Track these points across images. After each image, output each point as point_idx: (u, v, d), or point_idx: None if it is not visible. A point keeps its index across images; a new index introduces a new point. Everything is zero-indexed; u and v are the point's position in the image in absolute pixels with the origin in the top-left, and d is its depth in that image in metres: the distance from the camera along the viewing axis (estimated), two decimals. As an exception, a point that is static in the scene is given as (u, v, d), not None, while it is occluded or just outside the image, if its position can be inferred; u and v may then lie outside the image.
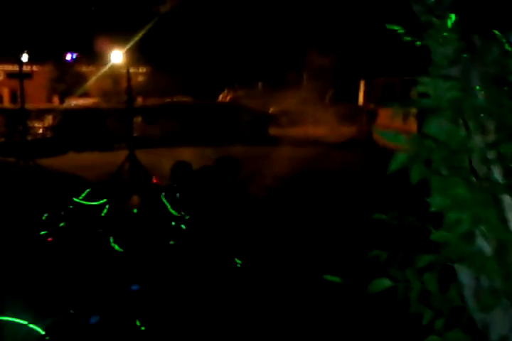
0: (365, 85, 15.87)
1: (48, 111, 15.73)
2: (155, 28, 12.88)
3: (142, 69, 21.16)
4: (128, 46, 9.33)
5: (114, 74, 17.33)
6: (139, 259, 4.51)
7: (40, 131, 14.90)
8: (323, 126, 15.97)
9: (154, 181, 8.60)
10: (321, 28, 16.18)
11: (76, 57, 14.04)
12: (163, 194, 5.07)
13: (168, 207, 4.96)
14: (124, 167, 8.96)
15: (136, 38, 9.70)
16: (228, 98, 18.22)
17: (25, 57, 10.34)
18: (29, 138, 14.43)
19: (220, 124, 14.27)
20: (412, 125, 9.76)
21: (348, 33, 15.77)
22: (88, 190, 5.51)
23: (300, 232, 6.40)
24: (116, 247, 4.76)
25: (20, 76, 10.41)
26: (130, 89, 9.97)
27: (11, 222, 5.87)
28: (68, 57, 13.90)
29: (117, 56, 9.56)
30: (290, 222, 6.88)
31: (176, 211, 4.96)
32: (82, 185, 9.26)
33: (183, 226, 4.95)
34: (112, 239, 4.81)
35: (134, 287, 4.44)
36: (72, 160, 12.36)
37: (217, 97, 19.46)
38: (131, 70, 18.42)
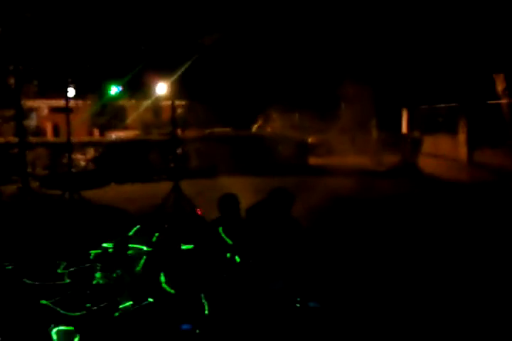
0: (408, 113, 15.68)
1: (90, 144, 15.95)
2: (194, 61, 13.07)
3: (180, 102, 21.42)
4: (173, 78, 9.40)
5: (154, 107, 17.61)
6: (191, 298, 4.37)
7: (83, 163, 15.08)
8: (364, 155, 15.75)
9: (198, 213, 8.52)
10: (359, 54, 16.11)
11: (120, 91, 14.23)
12: (221, 228, 4.97)
13: (227, 240, 4.85)
14: (169, 199, 8.88)
15: (181, 70, 9.77)
16: (264, 127, 18.21)
17: (72, 92, 10.51)
18: (72, 170, 14.65)
19: (259, 154, 14.23)
20: (459, 152, 9.55)
21: (388, 61, 15.65)
22: (138, 227, 5.47)
23: (357, 264, 6.15)
24: (168, 289, 4.63)
25: (67, 110, 10.57)
26: (175, 120, 9.99)
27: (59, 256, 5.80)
28: (113, 90, 14.07)
29: (162, 88, 9.64)
30: (344, 253, 6.65)
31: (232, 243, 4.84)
32: (127, 218, 9.29)
33: (237, 259, 4.80)
34: (163, 279, 4.69)
35: (185, 326, 4.30)
36: (114, 192, 12.44)
37: (252, 128, 19.50)
38: (170, 103, 18.79)
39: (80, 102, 20.90)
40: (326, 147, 16.74)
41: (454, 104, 12.66)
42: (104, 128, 21.49)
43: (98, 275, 4.84)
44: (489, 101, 11.68)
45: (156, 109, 17.72)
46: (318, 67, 17.13)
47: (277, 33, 16.07)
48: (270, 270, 4.56)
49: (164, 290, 4.56)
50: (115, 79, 13.43)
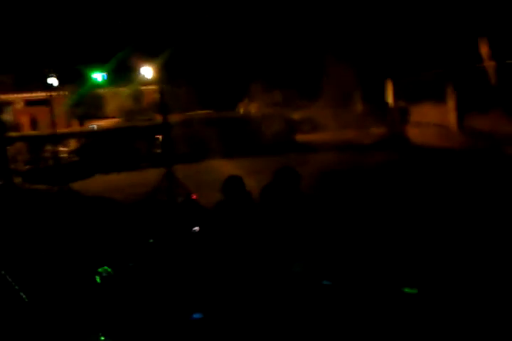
0: (393, 84, 15.53)
1: (71, 135, 15.65)
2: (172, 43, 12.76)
3: (156, 87, 21.01)
4: (159, 61, 9.11)
5: (134, 93, 17.26)
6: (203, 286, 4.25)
7: (65, 155, 14.78)
8: (350, 128, 15.60)
9: (194, 197, 8.34)
10: (338, 27, 15.87)
11: (105, 77, 13.74)
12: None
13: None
14: (161, 185, 8.69)
15: (167, 54, 9.45)
16: (249, 107, 17.93)
17: (54, 82, 10.15)
18: (53, 163, 14.37)
19: (247, 135, 14.04)
20: (448, 119, 9.42)
21: (368, 32, 15.44)
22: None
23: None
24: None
25: (44, 102, 10.26)
26: (164, 105, 9.73)
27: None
28: (98, 77, 13.55)
29: (147, 71, 9.33)
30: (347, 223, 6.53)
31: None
32: (119, 208, 9.08)
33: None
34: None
35: (196, 315, 4.19)
36: (100, 183, 12.19)
37: (235, 108, 19.20)
38: (150, 88, 18.42)
39: (56, 93, 20.43)
40: (311, 123, 16.55)
41: (439, 70, 12.52)
42: (83, 119, 21.06)
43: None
44: (476, 65, 11.59)
45: (136, 94, 17.38)
46: (298, 42, 16.87)
47: (256, 10, 15.78)
48: (290, 252, 4.44)
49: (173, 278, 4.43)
50: (98, 65, 12.97)
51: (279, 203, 4.89)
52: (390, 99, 15.92)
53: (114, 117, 19.73)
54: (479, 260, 4.97)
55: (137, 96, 17.55)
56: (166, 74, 9.60)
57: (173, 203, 7.99)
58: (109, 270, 4.86)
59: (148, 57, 9.37)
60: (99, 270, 4.93)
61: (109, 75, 13.23)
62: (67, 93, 20.62)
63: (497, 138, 9.82)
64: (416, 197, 7.71)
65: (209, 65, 17.19)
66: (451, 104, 11.89)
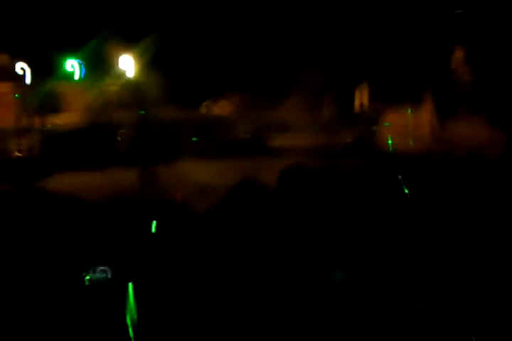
0: (365, 90, 15.52)
1: (26, 131, 14.92)
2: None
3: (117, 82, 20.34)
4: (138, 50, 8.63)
5: (93, 89, 16.60)
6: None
7: (20, 153, 14.06)
8: (322, 133, 15.50)
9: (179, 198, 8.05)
10: (310, 31, 15.76)
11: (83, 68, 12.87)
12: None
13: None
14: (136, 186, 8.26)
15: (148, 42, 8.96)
16: (215, 108, 17.53)
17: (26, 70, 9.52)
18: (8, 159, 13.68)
19: (213, 137, 13.75)
20: (424, 125, 9.37)
21: (340, 36, 15.40)
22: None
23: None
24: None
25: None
26: (144, 100, 9.24)
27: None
28: (71, 67, 12.68)
29: (127, 61, 8.78)
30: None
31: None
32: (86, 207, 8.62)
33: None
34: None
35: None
36: (61, 182, 11.59)
37: (198, 108, 18.77)
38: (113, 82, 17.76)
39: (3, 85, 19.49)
40: (279, 127, 16.34)
41: (416, 76, 12.63)
42: (34, 114, 20.19)
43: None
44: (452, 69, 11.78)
45: (95, 90, 16.72)
46: (269, 43, 16.64)
47: (233, 10, 15.48)
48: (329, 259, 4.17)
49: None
50: (72, 52, 12.16)
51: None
52: (363, 104, 15.95)
53: (70, 114, 19.04)
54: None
55: (104, 92, 16.90)
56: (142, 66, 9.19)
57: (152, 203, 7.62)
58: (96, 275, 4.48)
59: (127, 44, 8.86)
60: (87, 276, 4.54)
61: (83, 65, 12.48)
62: (14, 86, 19.71)
63: (476, 145, 9.92)
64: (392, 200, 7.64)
65: (179, 60, 16.71)
66: (427, 109, 12.03)
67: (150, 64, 17.18)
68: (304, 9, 15.67)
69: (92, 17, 13.83)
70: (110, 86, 18.12)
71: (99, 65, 16.42)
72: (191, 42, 17.26)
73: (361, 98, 15.85)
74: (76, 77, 14.49)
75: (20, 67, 9.59)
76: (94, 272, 4.38)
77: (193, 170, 11.01)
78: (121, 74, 19.42)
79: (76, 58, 12.69)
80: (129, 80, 18.36)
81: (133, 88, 17.74)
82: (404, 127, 12.62)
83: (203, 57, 18.38)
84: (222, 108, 17.40)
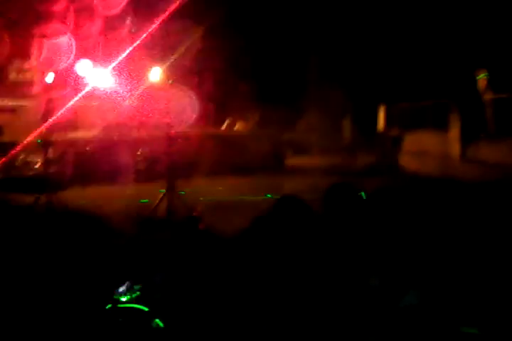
0: (386, 110, 15.43)
1: (47, 144, 14.87)
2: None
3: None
4: (166, 63, 8.61)
5: (109, 106, 16.63)
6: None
7: (39, 165, 13.98)
8: (340, 154, 15.34)
9: (195, 214, 7.83)
10: (330, 51, 15.78)
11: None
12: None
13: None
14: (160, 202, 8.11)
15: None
16: (235, 126, 17.49)
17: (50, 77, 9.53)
18: (29, 172, 13.63)
19: (238, 154, 13.66)
20: (449, 148, 9.13)
21: (360, 56, 15.39)
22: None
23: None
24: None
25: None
26: (168, 113, 9.20)
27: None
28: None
29: (155, 73, 8.74)
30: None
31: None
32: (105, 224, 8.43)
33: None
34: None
35: None
36: (80, 195, 11.49)
37: (219, 125, 18.73)
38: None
39: (22, 102, 19.54)
40: (298, 146, 16.26)
41: (439, 99, 12.48)
42: (53, 129, 20.18)
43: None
44: (479, 95, 11.59)
45: (112, 107, 16.74)
46: (289, 61, 16.68)
47: (247, 25, 15.55)
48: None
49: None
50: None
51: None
52: (381, 125, 15.81)
53: (86, 130, 19.00)
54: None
55: (114, 109, 16.89)
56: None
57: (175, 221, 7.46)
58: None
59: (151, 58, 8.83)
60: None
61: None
62: (36, 102, 19.76)
63: (508, 169, 9.66)
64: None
65: (202, 77, 16.71)
66: (454, 132, 11.80)
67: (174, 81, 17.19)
68: (326, 26, 15.71)
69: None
70: (131, 102, 18.18)
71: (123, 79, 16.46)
72: (215, 60, 17.34)
73: (383, 118, 15.76)
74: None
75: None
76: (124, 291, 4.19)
77: (214, 186, 10.92)
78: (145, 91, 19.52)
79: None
80: (152, 97, 18.41)
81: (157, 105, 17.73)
82: (428, 149, 12.39)
83: (224, 76, 18.44)
84: (243, 125, 17.38)
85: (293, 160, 15.80)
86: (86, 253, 6.00)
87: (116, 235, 6.84)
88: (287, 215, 4.59)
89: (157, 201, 8.20)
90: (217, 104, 18.76)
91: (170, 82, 8.74)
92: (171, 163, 9.23)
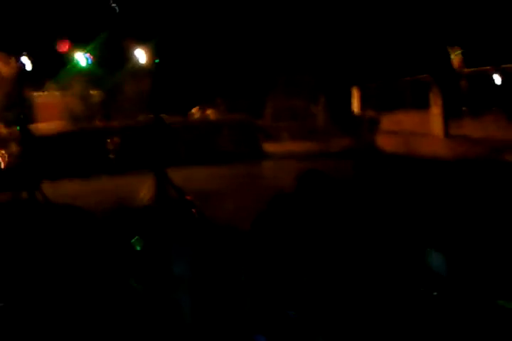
0: (359, 91, 15.25)
1: (8, 139, 14.23)
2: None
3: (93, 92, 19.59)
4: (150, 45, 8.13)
5: (80, 94, 15.99)
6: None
7: (3, 161, 13.34)
8: (315, 138, 15.09)
9: (188, 198, 7.54)
10: (299, 32, 15.47)
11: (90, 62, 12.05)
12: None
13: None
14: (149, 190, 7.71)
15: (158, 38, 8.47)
16: (207, 114, 17.02)
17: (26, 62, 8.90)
18: None
19: (214, 142, 13.28)
20: (431, 127, 8.96)
21: (331, 38, 15.12)
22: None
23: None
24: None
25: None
26: (156, 102, 8.75)
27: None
28: (82, 60, 11.80)
29: (141, 55, 8.24)
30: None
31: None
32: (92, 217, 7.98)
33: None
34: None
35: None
36: (53, 190, 10.92)
37: (185, 114, 18.25)
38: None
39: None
40: (271, 132, 15.93)
41: (415, 77, 12.36)
42: (12, 122, 19.31)
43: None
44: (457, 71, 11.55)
45: (84, 96, 16.09)
46: (258, 46, 16.28)
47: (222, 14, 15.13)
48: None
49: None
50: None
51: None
52: (356, 107, 15.63)
53: (50, 121, 18.25)
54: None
55: (85, 97, 16.24)
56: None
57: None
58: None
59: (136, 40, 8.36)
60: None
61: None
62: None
63: (493, 145, 9.59)
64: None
65: (169, 68, 16.13)
66: (435, 109, 11.69)
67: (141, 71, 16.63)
68: (295, 11, 15.41)
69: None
70: (95, 93, 17.53)
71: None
72: (180, 50, 16.78)
73: (358, 100, 15.58)
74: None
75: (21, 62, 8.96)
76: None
77: (196, 176, 10.53)
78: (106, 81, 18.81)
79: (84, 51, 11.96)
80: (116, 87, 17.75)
81: (121, 95, 17.16)
82: (408, 129, 12.23)
83: (191, 66, 17.91)
84: (214, 113, 16.95)
85: (267, 147, 15.49)
86: (86, 249, 5.67)
87: (110, 227, 6.43)
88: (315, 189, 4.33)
89: (147, 190, 7.79)
90: (183, 91, 18.27)
91: (156, 61, 8.28)
92: (157, 151, 8.82)
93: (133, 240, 5.44)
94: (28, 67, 9.43)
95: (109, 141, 14.08)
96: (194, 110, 16.95)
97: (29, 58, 9.32)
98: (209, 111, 16.40)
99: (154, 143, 9.05)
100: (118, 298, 4.59)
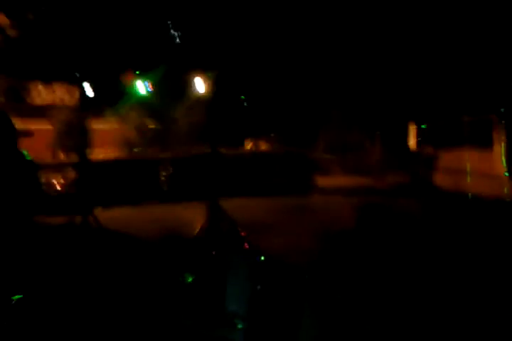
0: (417, 128, 14.90)
1: (66, 165, 14.46)
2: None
3: (149, 123, 19.92)
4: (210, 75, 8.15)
5: (134, 124, 16.28)
6: None
7: (59, 187, 13.53)
8: (370, 174, 14.74)
9: (242, 235, 7.35)
10: (358, 66, 15.31)
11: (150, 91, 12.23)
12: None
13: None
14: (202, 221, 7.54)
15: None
16: (260, 146, 16.99)
17: (88, 89, 9.05)
18: (53, 193, 13.21)
19: (270, 174, 13.17)
20: (494, 166, 8.50)
21: (390, 73, 14.90)
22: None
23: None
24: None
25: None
26: (214, 131, 8.71)
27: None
28: (142, 89, 11.99)
29: (200, 85, 8.28)
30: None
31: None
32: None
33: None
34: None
35: None
36: (107, 217, 10.94)
37: (238, 146, 18.23)
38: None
39: (37, 124, 19.22)
40: (326, 166, 15.68)
41: (482, 116, 11.94)
42: (69, 150, 19.76)
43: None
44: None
45: (139, 125, 16.37)
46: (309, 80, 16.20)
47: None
48: None
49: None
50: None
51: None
52: (413, 144, 15.25)
53: (102, 149, 18.56)
54: None
55: (139, 127, 16.52)
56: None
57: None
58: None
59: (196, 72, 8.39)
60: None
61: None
62: (51, 123, 19.40)
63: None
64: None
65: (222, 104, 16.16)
66: (498, 149, 11.22)
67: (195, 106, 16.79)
68: (352, 44, 15.28)
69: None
70: (151, 123, 17.83)
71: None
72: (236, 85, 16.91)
73: (415, 137, 15.21)
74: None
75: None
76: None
77: (247, 208, 10.36)
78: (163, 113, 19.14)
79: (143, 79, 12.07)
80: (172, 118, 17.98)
81: (176, 126, 17.35)
82: (468, 170, 11.74)
83: (247, 100, 18.00)
84: (265, 146, 16.88)
85: (320, 181, 15.22)
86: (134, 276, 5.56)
87: (158, 256, 6.30)
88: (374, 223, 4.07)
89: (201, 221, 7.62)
90: (237, 123, 18.34)
91: (242, 97, 8.25)
92: (213, 181, 8.68)
93: (184, 272, 5.26)
94: (90, 94, 9.56)
95: (162, 170, 14.17)
96: (247, 142, 16.95)
97: (91, 86, 9.45)
98: (262, 144, 16.35)
99: (209, 173, 8.94)
100: (166, 333, 4.42)
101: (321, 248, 4.80)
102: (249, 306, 3.78)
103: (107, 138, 17.70)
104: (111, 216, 11.14)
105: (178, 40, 10.47)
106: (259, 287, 3.94)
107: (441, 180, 12.81)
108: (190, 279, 5.00)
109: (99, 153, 16.80)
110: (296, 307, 3.72)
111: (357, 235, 4.46)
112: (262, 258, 4.40)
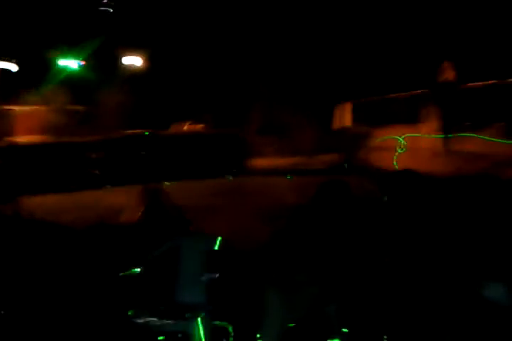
0: (350, 106, 14.89)
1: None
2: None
3: (75, 107, 18.93)
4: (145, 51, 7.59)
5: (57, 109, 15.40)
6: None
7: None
8: (301, 154, 14.64)
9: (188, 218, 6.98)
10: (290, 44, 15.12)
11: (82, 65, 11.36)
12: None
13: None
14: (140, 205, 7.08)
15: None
16: (194, 128, 16.51)
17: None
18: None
19: (202, 156, 12.78)
20: (430, 141, 8.49)
21: (322, 52, 14.78)
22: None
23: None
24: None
25: None
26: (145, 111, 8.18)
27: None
28: (75, 64, 11.05)
29: (135, 60, 7.69)
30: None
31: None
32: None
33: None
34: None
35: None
36: (33, 205, 10.23)
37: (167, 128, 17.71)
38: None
39: None
40: (259, 147, 15.44)
41: (413, 92, 12.03)
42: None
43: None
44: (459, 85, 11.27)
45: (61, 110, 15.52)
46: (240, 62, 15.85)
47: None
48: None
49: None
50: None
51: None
52: (347, 122, 15.25)
53: (27, 135, 17.55)
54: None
55: (62, 112, 15.66)
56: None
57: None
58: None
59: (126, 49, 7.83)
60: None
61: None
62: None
63: (493, 160, 9.23)
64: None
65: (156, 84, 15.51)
66: (433, 124, 11.35)
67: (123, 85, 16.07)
68: (280, 22, 15.07)
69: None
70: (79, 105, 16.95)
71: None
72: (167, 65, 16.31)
73: (349, 115, 15.20)
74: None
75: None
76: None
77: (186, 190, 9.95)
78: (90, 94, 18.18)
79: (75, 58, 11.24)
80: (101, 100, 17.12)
81: (106, 108, 16.54)
82: (400, 145, 11.85)
83: (176, 80, 17.41)
84: (198, 127, 16.43)
85: (254, 162, 14.98)
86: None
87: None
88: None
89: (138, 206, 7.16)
90: (168, 105, 17.77)
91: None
92: (148, 164, 8.22)
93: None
94: (13, 69, 8.80)
95: (93, 153, 13.52)
96: (182, 124, 16.42)
97: (13, 61, 8.69)
98: (199, 126, 15.93)
99: (144, 156, 8.47)
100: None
101: (271, 228, 4.53)
102: (207, 296, 3.48)
103: (32, 122, 16.73)
104: (37, 204, 10.48)
105: (111, 10, 9.84)
106: (216, 275, 3.64)
107: (376, 157, 12.88)
108: (132, 270, 4.59)
109: (23, 138, 15.86)
110: (258, 293, 3.47)
111: (309, 212, 4.25)
112: (217, 242, 4.08)
